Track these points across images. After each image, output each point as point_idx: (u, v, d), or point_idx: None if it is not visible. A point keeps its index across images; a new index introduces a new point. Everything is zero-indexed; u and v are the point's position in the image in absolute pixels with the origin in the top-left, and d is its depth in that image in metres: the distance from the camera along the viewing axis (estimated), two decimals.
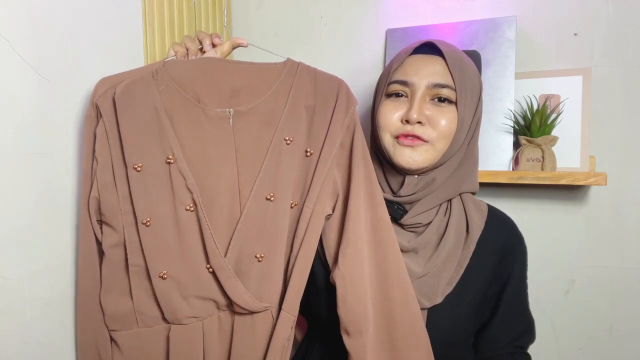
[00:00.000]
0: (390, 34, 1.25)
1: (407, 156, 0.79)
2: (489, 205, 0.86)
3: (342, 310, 0.74)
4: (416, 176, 0.82)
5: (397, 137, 0.80)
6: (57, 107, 0.73)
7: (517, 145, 1.11)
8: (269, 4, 1.38)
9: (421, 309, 0.78)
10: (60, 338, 0.76)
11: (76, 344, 0.78)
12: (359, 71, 1.29)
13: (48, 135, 0.72)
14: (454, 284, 0.79)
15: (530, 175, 1.05)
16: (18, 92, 0.67)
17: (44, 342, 0.73)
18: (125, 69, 0.85)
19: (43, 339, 0.73)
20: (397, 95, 0.81)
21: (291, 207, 0.77)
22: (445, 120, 0.77)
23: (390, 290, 0.76)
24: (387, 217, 0.79)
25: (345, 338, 0.74)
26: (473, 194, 0.87)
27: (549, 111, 1.07)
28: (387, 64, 1.25)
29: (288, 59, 0.82)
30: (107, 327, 0.75)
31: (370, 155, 0.86)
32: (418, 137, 0.78)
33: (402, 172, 0.82)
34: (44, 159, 0.71)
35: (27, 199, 0.69)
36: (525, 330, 0.85)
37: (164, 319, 0.75)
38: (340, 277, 0.75)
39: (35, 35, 0.69)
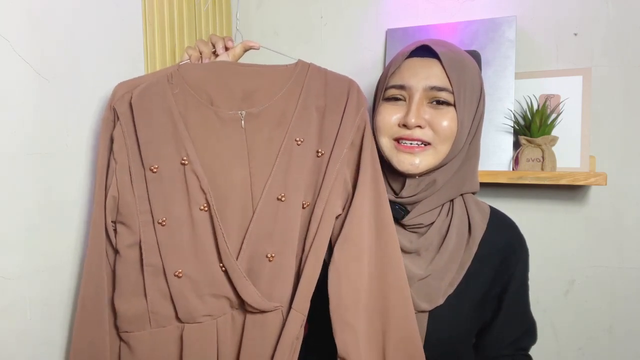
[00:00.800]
0: (390, 34, 1.25)
1: (407, 162, 0.78)
2: (490, 207, 0.86)
3: (334, 304, 0.74)
4: (417, 177, 0.82)
5: (396, 141, 0.80)
6: (57, 107, 0.73)
7: (517, 145, 1.11)
8: (269, 3, 1.38)
9: (422, 311, 0.78)
10: (60, 338, 0.76)
11: (68, 348, 0.77)
12: (359, 71, 1.29)
13: (48, 135, 0.72)
14: (455, 285, 0.79)
15: (530, 175, 1.05)
16: (18, 92, 0.67)
17: (44, 342, 0.73)
18: (126, 69, 0.86)
19: (43, 339, 0.73)
20: (395, 99, 0.80)
21: (303, 208, 0.78)
22: (445, 121, 0.77)
23: (389, 292, 0.76)
24: (391, 218, 0.79)
25: (335, 333, 0.74)
26: (474, 193, 0.87)
27: (549, 111, 1.07)
28: (385, 65, 1.25)
29: (299, 61, 0.83)
30: (118, 329, 0.74)
31: None
32: (419, 140, 0.77)
33: (403, 175, 0.82)
34: (44, 159, 0.71)
35: (27, 199, 0.69)
36: (526, 331, 0.85)
37: (177, 318, 0.75)
38: (335, 271, 0.75)
39: (35, 35, 0.69)
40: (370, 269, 0.77)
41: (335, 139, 0.79)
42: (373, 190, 0.79)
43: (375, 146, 0.81)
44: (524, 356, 0.85)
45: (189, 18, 1.10)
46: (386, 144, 0.81)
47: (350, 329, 0.74)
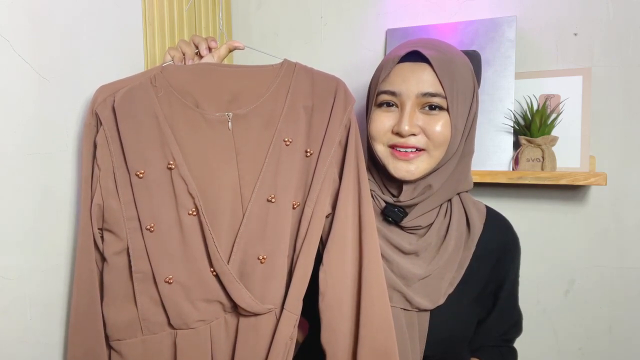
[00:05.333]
0: (390, 34, 1.25)
1: (404, 170, 0.78)
2: (486, 206, 0.87)
3: (321, 305, 0.76)
4: (413, 182, 0.82)
5: (391, 147, 0.79)
6: (57, 107, 0.73)
7: (517, 145, 1.11)
8: (269, 4, 1.38)
9: (423, 310, 0.79)
10: (60, 338, 0.76)
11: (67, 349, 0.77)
12: (358, 71, 1.29)
13: (48, 135, 0.72)
14: (455, 284, 0.79)
15: (530, 175, 1.05)
16: (18, 92, 0.67)
17: (44, 342, 0.73)
18: (125, 69, 0.86)
19: (43, 339, 0.73)
20: (388, 105, 0.80)
21: (293, 208, 0.77)
22: (438, 127, 0.76)
23: (368, 290, 0.76)
24: (373, 217, 0.79)
25: (322, 330, 0.75)
26: (468, 191, 0.87)
27: (549, 111, 1.07)
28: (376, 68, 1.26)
29: (285, 60, 0.82)
30: (108, 337, 0.73)
31: (368, 158, 0.86)
32: (414, 147, 0.77)
33: (399, 180, 0.82)
34: (44, 159, 0.71)
35: (27, 199, 0.69)
36: (514, 324, 0.89)
37: (169, 324, 0.74)
38: (323, 273, 0.76)
39: (35, 35, 0.69)
40: (353, 269, 0.78)
41: (324, 138, 0.78)
42: (357, 190, 0.79)
43: (360, 143, 0.81)
44: (508, 347, 0.89)
45: (188, 18, 1.10)
46: (382, 151, 0.81)
47: (332, 329, 0.75)
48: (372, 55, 1.29)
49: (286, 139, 0.77)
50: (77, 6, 0.76)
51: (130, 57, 0.88)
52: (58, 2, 0.72)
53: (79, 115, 0.77)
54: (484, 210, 0.86)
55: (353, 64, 1.30)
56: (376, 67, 1.29)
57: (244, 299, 0.73)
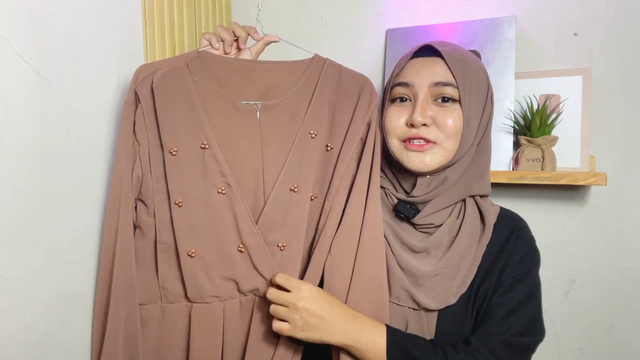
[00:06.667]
0: (390, 34, 1.25)
1: (417, 161, 0.79)
2: (501, 208, 0.86)
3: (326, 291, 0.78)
4: (428, 176, 0.82)
5: (404, 141, 0.80)
6: (57, 107, 0.73)
7: (517, 145, 1.11)
8: (269, 4, 1.38)
9: (430, 310, 0.78)
10: (60, 338, 0.76)
11: (68, 347, 0.78)
12: (358, 71, 1.29)
13: (48, 135, 0.72)
14: (467, 284, 0.79)
15: (530, 175, 1.05)
16: (18, 92, 0.67)
17: (44, 342, 0.73)
18: (125, 69, 0.86)
19: (43, 339, 0.73)
20: (402, 99, 0.81)
21: (312, 199, 0.81)
22: (450, 119, 0.77)
23: (369, 282, 0.79)
24: (380, 212, 0.81)
25: None
26: (486, 196, 0.86)
27: (549, 111, 1.07)
28: (387, 66, 1.25)
29: (315, 55, 0.86)
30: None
31: (382, 155, 0.86)
32: (425, 139, 0.78)
33: (414, 174, 0.82)
34: (44, 159, 0.71)
35: (27, 199, 0.69)
36: (521, 331, 0.82)
37: (186, 297, 0.78)
38: (330, 262, 0.79)
39: (35, 35, 0.69)
40: (358, 259, 0.80)
41: (346, 134, 0.82)
42: (369, 186, 0.82)
43: (379, 141, 0.84)
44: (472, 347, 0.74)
45: (189, 18, 1.10)
46: (396, 144, 0.82)
47: None
48: (372, 55, 1.29)
49: (311, 132, 0.81)
50: (77, 6, 0.76)
51: (130, 57, 0.88)
52: (58, 2, 0.72)
53: (79, 115, 0.77)
54: (498, 211, 0.85)
55: (353, 64, 1.29)
56: (376, 67, 1.30)
57: (271, 271, 0.77)
